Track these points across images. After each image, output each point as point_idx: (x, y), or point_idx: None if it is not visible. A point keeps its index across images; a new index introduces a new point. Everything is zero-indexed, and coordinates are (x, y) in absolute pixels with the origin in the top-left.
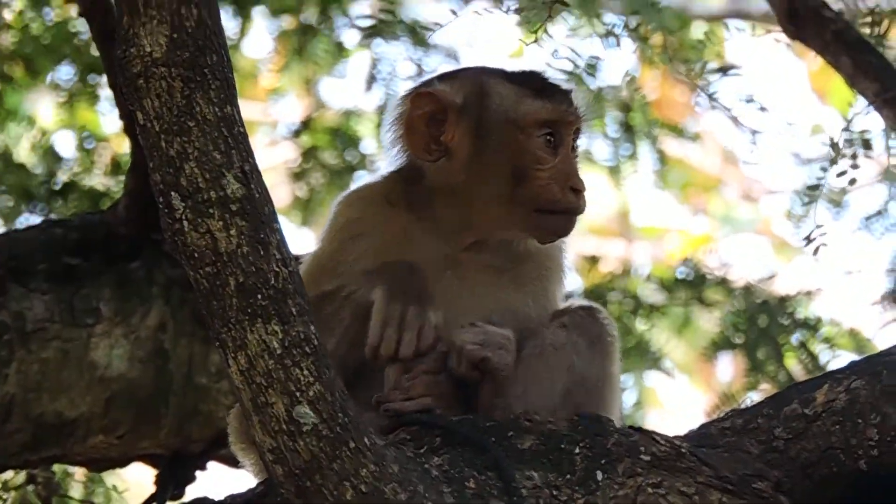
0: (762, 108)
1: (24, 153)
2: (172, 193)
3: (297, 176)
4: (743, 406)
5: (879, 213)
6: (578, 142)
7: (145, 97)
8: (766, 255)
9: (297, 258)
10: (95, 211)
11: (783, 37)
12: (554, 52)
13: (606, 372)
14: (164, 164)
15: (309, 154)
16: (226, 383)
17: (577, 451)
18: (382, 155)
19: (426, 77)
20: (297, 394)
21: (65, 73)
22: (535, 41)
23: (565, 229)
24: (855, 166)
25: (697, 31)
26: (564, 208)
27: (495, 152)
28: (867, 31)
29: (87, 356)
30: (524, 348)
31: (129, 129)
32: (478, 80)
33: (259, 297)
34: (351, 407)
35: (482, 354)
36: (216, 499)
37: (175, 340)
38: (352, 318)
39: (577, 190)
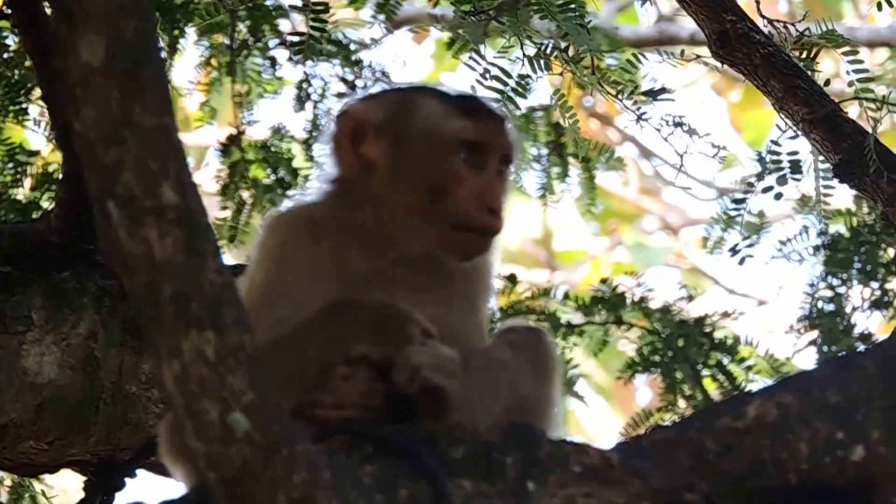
0: (691, 131)
1: None
2: (109, 201)
3: (225, 190)
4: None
5: (795, 237)
6: (509, 169)
7: (83, 106)
8: (682, 282)
9: (232, 267)
10: (27, 220)
11: (711, 60)
12: (484, 71)
13: (548, 393)
14: (101, 172)
15: (235, 169)
16: (156, 392)
17: (508, 460)
18: (312, 173)
19: (359, 95)
20: (231, 401)
21: None
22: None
23: (480, 248)
24: (782, 181)
25: (626, 55)
26: (480, 226)
27: (416, 166)
28: (796, 54)
29: (17, 363)
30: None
31: (61, 139)
32: (404, 97)
33: (194, 305)
34: (285, 415)
35: (439, 383)
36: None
37: (106, 349)
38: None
39: (494, 210)
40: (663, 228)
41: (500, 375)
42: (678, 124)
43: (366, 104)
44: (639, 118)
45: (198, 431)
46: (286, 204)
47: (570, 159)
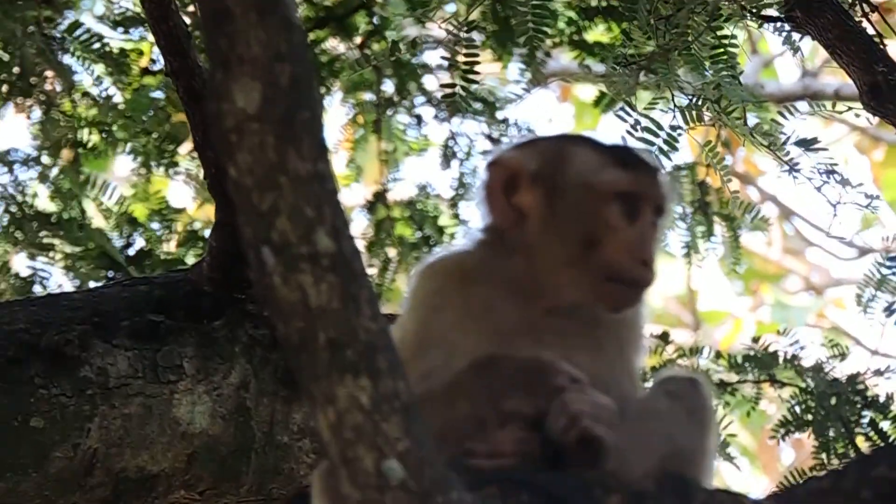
0: (843, 181)
1: (100, 220)
2: (263, 248)
3: (371, 248)
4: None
5: None
6: (661, 220)
7: (237, 152)
8: (830, 341)
9: (387, 316)
10: (179, 269)
11: (863, 112)
12: (635, 123)
13: (703, 444)
14: (256, 218)
15: (381, 226)
16: (307, 441)
17: None
18: (458, 231)
19: (509, 144)
20: (385, 448)
21: (143, 140)
22: (618, 109)
23: (632, 300)
24: None
25: (772, 112)
26: (633, 278)
27: (570, 216)
28: None
29: (169, 412)
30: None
31: (214, 187)
32: (558, 146)
33: (349, 351)
34: (440, 462)
35: (598, 434)
36: None
37: (257, 398)
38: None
39: (647, 262)
40: (806, 289)
41: (655, 425)
42: (831, 172)
43: (518, 153)
44: (791, 169)
45: (352, 479)
46: (435, 256)
47: (715, 218)
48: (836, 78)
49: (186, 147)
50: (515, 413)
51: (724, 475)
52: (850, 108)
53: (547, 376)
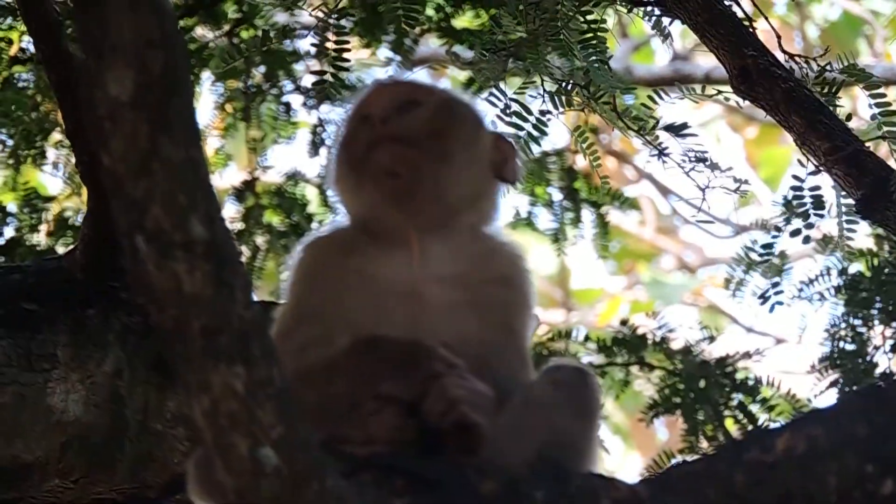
0: (713, 166)
1: None
2: (137, 236)
3: (240, 235)
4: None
5: (817, 278)
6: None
7: (111, 140)
8: (702, 322)
9: (260, 303)
10: (52, 257)
11: (732, 96)
12: (505, 107)
13: (587, 433)
14: (130, 206)
15: (251, 214)
16: (181, 429)
17: (538, 495)
18: (328, 216)
19: None
20: (260, 436)
21: (11, 130)
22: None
23: (385, 156)
24: (808, 224)
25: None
26: (371, 139)
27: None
28: (818, 90)
29: (43, 401)
30: (504, 399)
31: (86, 175)
32: None
33: (223, 338)
34: (315, 448)
35: (474, 420)
36: None
37: (131, 386)
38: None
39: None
40: (680, 268)
41: (538, 413)
42: (701, 159)
43: None
44: (661, 153)
45: (227, 466)
46: (319, 230)
47: (583, 204)
48: (708, 61)
49: (57, 136)
50: (391, 397)
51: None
52: (719, 92)
53: (425, 361)
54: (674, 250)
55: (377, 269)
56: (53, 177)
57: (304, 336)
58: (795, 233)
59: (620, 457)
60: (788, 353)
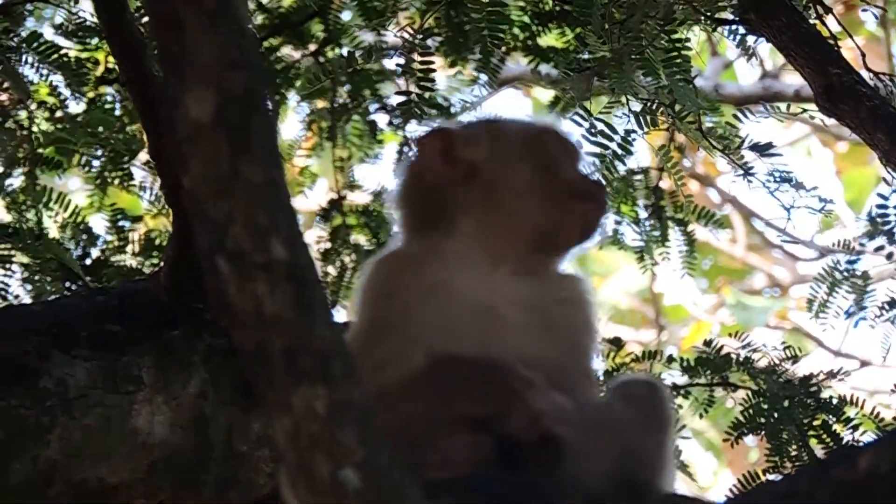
0: (797, 186)
1: (56, 232)
2: (218, 257)
3: (327, 255)
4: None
5: None
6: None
7: (191, 161)
8: (785, 343)
9: (342, 324)
10: (136, 279)
11: (818, 114)
12: (590, 127)
13: (661, 447)
14: (210, 228)
15: (337, 233)
16: (266, 450)
17: None
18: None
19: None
20: (341, 458)
21: (98, 150)
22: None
23: (596, 217)
24: (893, 241)
25: (727, 115)
26: (592, 192)
27: (520, 152)
28: None
29: (128, 422)
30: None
31: (171, 196)
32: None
33: (304, 359)
34: (396, 470)
35: (559, 431)
36: None
37: (215, 408)
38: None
39: (598, 183)
40: (771, 286)
41: (613, 427)
42: (786, 179)
43: (444, 126)
44: (746, 173)
45: (309, 488)
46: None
47: (670, 223)
48: (797, 79)
49: (144, 156)
50: (467, 415)
51: (691, 471)
52: (805, 111)
53: (504, 378)
54: (765, 268)
55: (454, 287)
56: (140, 199)
57: (378, 355)
58: (879, 248)
59: (712, 474)
60: (873, 374)
